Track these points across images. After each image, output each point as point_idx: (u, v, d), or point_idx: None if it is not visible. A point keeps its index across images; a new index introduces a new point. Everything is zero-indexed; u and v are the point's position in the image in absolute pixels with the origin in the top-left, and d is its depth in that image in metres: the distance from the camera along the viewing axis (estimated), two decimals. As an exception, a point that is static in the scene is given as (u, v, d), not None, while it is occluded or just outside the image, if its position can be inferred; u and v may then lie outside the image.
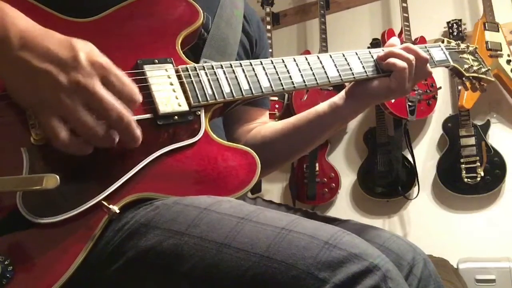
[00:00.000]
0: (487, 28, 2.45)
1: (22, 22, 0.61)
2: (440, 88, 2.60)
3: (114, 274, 0.63)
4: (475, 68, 1.06)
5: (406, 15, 2.60)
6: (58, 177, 0.59)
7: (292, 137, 1.00)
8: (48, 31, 0.62)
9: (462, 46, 1.09)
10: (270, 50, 2.88)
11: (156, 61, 0.75)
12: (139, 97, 0.64)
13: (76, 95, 0.59)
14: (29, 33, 0.60)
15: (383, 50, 0.94)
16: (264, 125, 1.08)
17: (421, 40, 2.61)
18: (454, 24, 2.59)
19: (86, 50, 0.60)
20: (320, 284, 0.51)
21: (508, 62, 2.42)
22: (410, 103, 2.53)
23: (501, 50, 2.42)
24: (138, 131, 0.64)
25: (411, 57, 0.90)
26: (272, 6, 3.10)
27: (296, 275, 0.52)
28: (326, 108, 0.97)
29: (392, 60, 0.90)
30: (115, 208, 0.64)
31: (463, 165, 2.48)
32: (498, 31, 2.46)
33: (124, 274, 0.63)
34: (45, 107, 0.59)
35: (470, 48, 1.11)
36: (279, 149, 1.02)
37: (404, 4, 2.62)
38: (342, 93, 0.97)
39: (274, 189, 3.13)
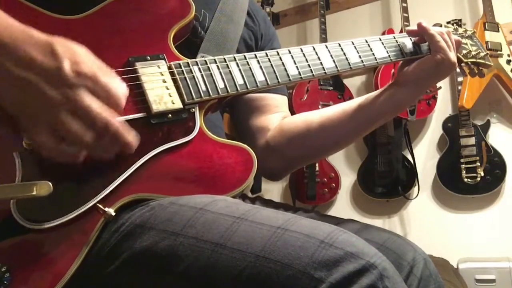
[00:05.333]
0: (487, 28, 2.44)
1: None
2: (440, 88, 2.59)
3: (111, 275, 0.63)
4: (473, 53, 1.05)
5: (406, 15, 2.60)
6: (50, 184, 0.58)
7: (344, 124, 0.96)
8: (26, 31, 0.56)
9: (460, 31, 1.07)
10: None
11: (148, 57, 0.73)
12: (123, 101, 0.61)
13: (65, 107, 0.56)
14: (6, 36, 0.55)
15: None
16: (309, 112, 1.02)
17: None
18: (454, 24, 2.58)
19: (69, 57, 0.56)
20: (316, 284, 0.51)
21: (508, 62, 2.41)
22: (410, 103, 2.53)
23: (501, 50, 2.41)
24: (128, 137, 0.61)
25: (441, 29, 0.94)
26: (272, 6, 3.09)
27: (292, 275, 0.52)
28: (380, 95, 0.95)
29: (430, 31, 0.92)
30: (111, 211, 0.64)
31: (463, 165, 2.47)
32: (498, 31, 2.46)
33: (120, 276, 0.63)
34: (35, 120, 0.56)
35: (468, 33, 1.09)
36: (325, 137, 0.98)
37: (404, 4, 2.61)
38: (392, 83, 0.96)
39: (274, 189, 3.13)
